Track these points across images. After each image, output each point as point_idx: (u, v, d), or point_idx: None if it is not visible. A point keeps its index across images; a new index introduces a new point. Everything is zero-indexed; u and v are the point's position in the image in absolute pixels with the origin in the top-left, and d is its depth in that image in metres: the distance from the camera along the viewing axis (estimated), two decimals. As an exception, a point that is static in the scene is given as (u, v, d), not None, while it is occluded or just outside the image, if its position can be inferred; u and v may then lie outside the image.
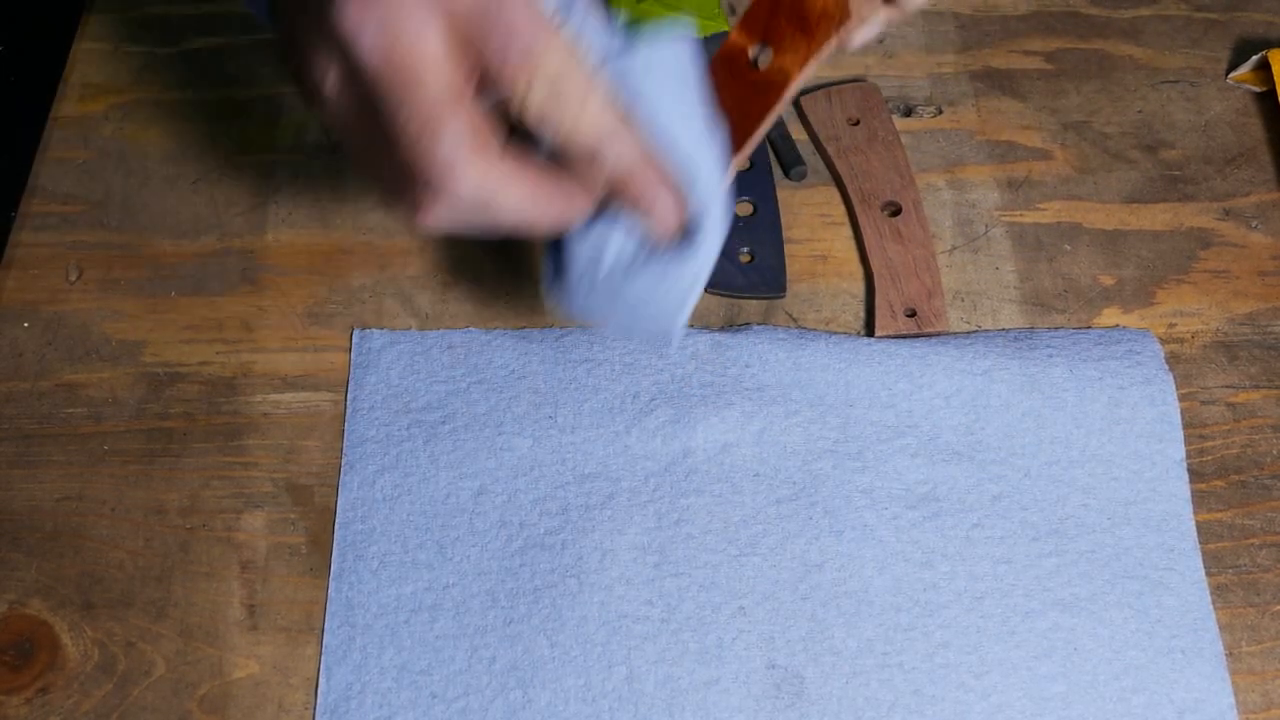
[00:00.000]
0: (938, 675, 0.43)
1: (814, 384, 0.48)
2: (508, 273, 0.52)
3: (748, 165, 0.54)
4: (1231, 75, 0.57)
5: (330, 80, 0.34)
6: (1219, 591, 0.45)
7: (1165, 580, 0.45)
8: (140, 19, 0.60)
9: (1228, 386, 0.50)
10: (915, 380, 0.48)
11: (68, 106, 0.57)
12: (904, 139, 0.55)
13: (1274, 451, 0.48)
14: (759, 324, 0.51)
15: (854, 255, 0.53)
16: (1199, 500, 0.47)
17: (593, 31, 0.35)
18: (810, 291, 0.52)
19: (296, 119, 0.57)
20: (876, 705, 0.43)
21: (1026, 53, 0.59)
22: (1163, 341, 0.50)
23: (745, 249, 0.52)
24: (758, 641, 0.44)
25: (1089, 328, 0.51)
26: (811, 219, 0.54)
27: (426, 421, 0.48)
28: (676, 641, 0.44)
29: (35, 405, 0.49)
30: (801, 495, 0.46)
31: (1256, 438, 0.48)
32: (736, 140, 0.41)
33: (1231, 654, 0.44)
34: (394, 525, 0.46)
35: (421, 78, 0.32)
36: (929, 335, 0.50)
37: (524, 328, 0.51)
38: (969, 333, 0.51)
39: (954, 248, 0.53)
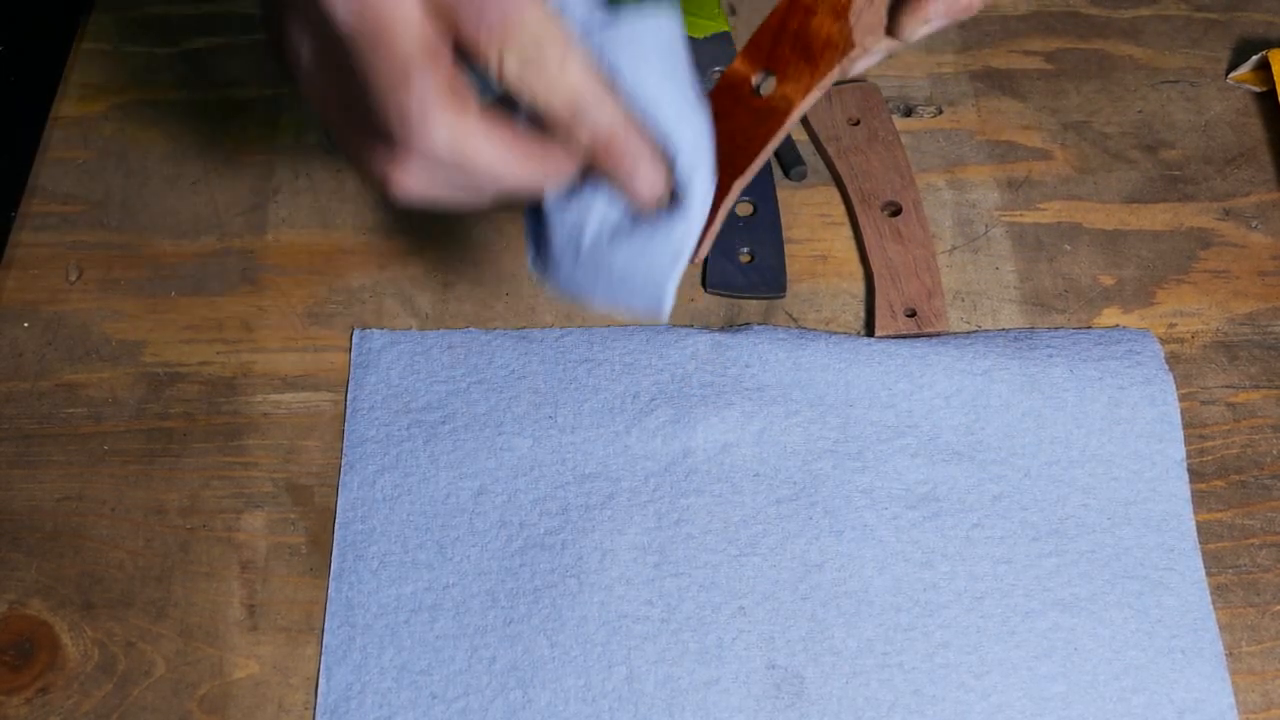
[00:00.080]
0: (938, 675, 0.43)
1: (814, 384, 0.48)
2: (508, 273, 0.52)
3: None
4: (1231, 75, 0.57)
5: (306, 49, 0.34)
6: (1219, 591, 0.45)
7: (1165, 580, 0.45)
8: (140, 19, 0.60)
9: (1228, 386, 0.50)
10: (915, 380, 0.48)
11: (68, 106, 0.57)
12: (904, 139, 0.55)
13: (1274, 451, 0.48)
14: (759, 324, 0.51)
15: (854, 255, 0.53)
16: (1199, 500, 0.47)
17: (575, 4, 0.35)
18: (810, 291, 0.52)
19: (296, 119, 0.57)
20: (876, 705, 0.43)
21: (1026, 53, 0.59)
22: (1163, 341, 0.50)
23: (745, 249, 0.52)
24: (758, 641, 0.44)
25: (1089, 328, 0.51)
26: (811, 219, 0.54)
27: (426, 421, 0.48)
28: (676, 641, 0.44)
29: (35, 405, 0.49)
30: (801, 495, 0.46)
31: (1256, 438, 0.48)
32: (739, 166, 0.41)
33: (1231, 654, 0.44)
34: (394, 525, 0.46)
35: (395, 34, 0.31)
36: (929, 335, 0.50)
37: (524, 328, 0.51)
38: (969, 333, 0.51)
39: (954, 248, 0.53)
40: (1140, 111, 0.57)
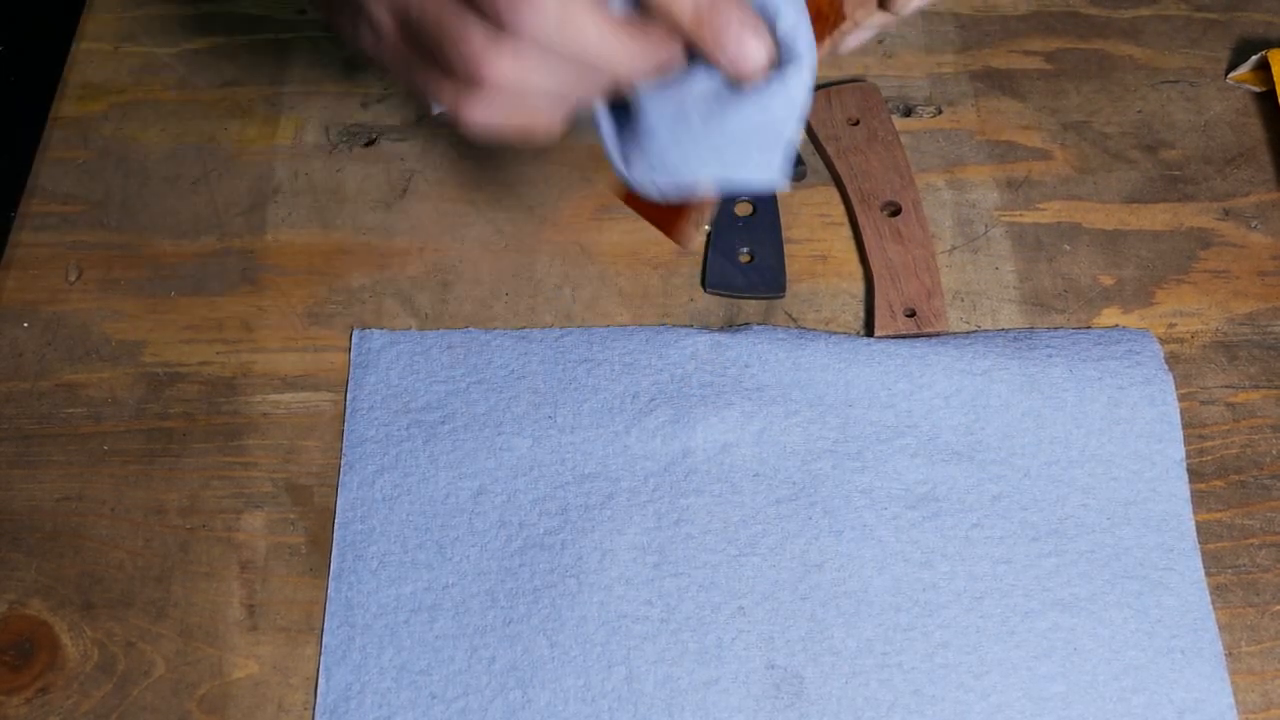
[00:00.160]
0: (937, 675, 0.43)
1: (814, 384, 0.48)
2: (508, 273, 0.52)
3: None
4: (1231, 75, 0.57)
5: None
6: (1219, 591, 0.45)
7: (1165, 580, 0.45)
8: (140, 19, 0.60)
9: (1227, 386, 0.49)
10: (915, 380, 0.48)
11: (68, 106, 0.57)
12: (904, 139, 0.55)
13: (1274, 451, 0.48)
14: (759, 324, 0.51)
15: (854, 255, 0.53)
16: (1199, 500, 0.47)
17: None
18: (810, 291, 0.52)
19: (296, 119, 0.57)
20: (876, 705, 0.43)
21: (1026, 53, 0.59)
22: (1162, 341, 0.50)
23: (745, 249, 0.52)
24: (757, 641, 0.44)
25: (1089, 328, 0.51)
26: (811, 219, 0.54)
27: (426, 421, 0.48)
28: (676, 641, 0.44)
29: (35, 405, 0.49)
30: (801, 495, 0.46)
31: (1256, 438, 0.48)
32: None
33: (1231, 654, 0.44)
34: (393, 525, 0.46)
35: None
36: (929, 335, 0.50)
37: (523, 328, 0.51)
38: (969, 333, 0.51)
39: (954, 248, 0.53)
40: (1140, 111, 0.57)
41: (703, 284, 0.52)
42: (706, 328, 0.51)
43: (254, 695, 0.43)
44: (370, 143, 0.56)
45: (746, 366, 0.49)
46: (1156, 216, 0.54)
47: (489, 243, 0.53)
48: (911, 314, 0.50)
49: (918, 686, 0.43)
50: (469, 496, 0.46)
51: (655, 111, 0.37)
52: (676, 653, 0.43)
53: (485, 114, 0.34)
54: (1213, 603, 0.45)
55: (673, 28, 0.34)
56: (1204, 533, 0.46)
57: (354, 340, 0.50)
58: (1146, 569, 0.45)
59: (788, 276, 0.52)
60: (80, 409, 0.49)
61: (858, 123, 0.55)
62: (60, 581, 0.45)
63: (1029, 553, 0.45)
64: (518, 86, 0.33)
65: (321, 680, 0.43)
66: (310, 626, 0.45)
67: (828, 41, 0.39)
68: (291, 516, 0.47)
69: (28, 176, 0.55)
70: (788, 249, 0.53)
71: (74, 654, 0.44)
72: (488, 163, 0.55)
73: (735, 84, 0.36)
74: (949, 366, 0.48)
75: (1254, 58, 0.56)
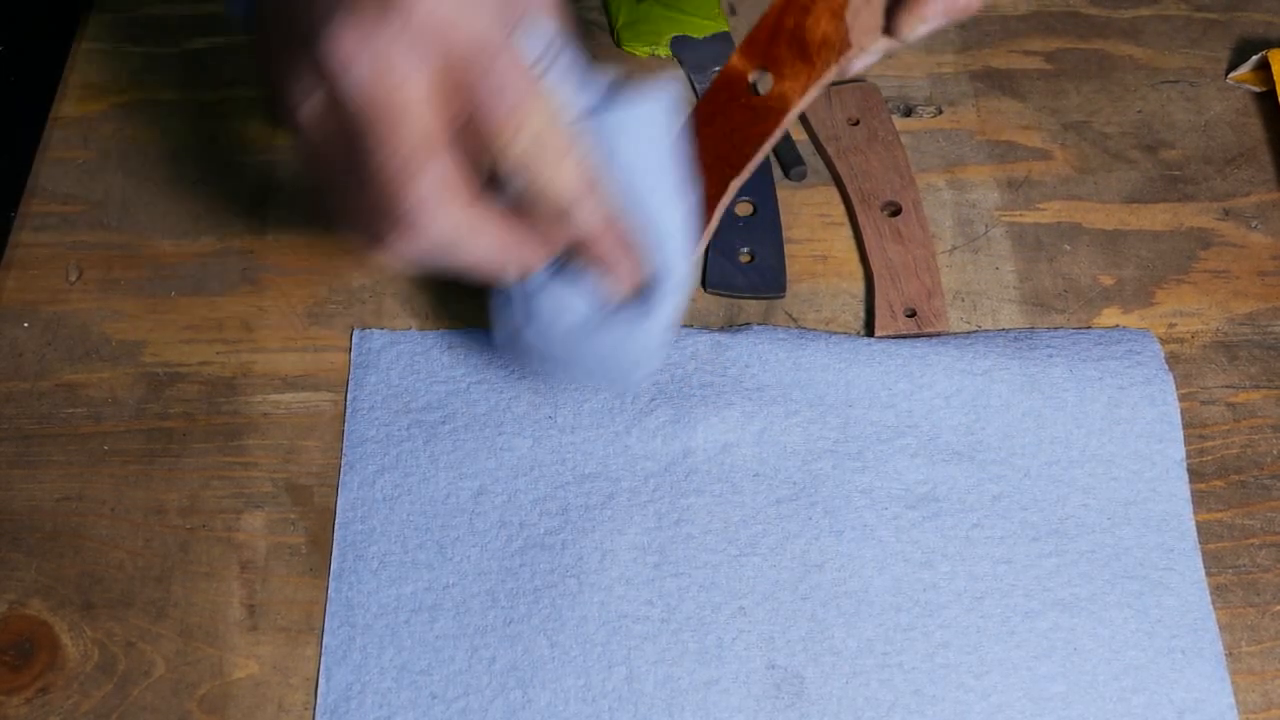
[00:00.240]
0: (938, 675, 0.43)
1: (814, 384, 0.48)
2: (508, 273, 0.52)
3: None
4: (1231, 75, 0.57)
5: (309, 106, 0.34)
6: (1219, 591, 0.45)
7: (1165, 580, 0.45)
8: (140, 19, 0.60)
9: (1228, 386, 0.50)
10: (915, 380, 0.48)
11: (68, 106, 0.57)
12: (904, 139, 0.55)
13: (1274, 451, 0.48)
14: (759, 324, 0.51)
15: (854, 255, 0.53)
16: (1199, 500, 0.47)
17: (572, 85, 0.35)
18: (810, 291, 0.52)
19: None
20: (876, 705, 0.43)
21: (1026, 53, 0.59)
22: (1163, 341, 0.50)
23: (745, 249, 0.52)
24: (758, 641, 0.44)
25: (1089, 328, 0.51)
26: (811, 219, 0.54)
27: (426, 421, 0.48)
28: (676, 641, 0.44)
29: (35, 405, 0.49)
30: (801, 495, 0.46)
31: (1256, 438, 0.48)
32: (735, 165, 0.41)
33: (1231, 654, 0.44)
34: (394, 525, 0.46)
35: (405, 119, 0.32)
36: (929, 335, 0.50)
37: (524, 328, 0.51)
38: (969, 333, 0.51)
39: (954, 248, 0.53)
40: (1140, 111, 0.57)
41: (703, 284, 0.52)
42: (707, 328, 0.51)
43: (254, 695, 0.43)
44: (370, 143, 0.56)
45: (747, 366, 0.49)
46: (1156, 216, 0.54)
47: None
48: (912, 314, 0.50)
49: (918, 686, 0.43)
50: (469, 496, 0.46)
51: (531, 312, 0.40)
52: (677, 653, 0.43)
53: (390, 260, 0.36)
54: (1213, 603, 0.45)
55: (559, 234, 0.36)
56: (1204, 533, 0.46)
57: (354, 340, 0.50)
58: (1147, 569, 0.45)
59: (788, 276, 0.52)
60: (80, 409, 0.49)
61: (858, 123, 0.56)
62: (60, 581, 0.45)
63: (1029, 553, 0.45)
64: (408, 264, 0.36)
65: (322, 680, 0.43)
66: (310, 626, 0.45)
67: (834, 68, 0.40)
68: (292, 516, 0.47)
69: (28, 176, 0.55)
70: (788, 249, 0.53)
71: (74, 654, 0.44)
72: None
73: (606, 303, 0.39)
74: (949, 366, 0.48)
75: (1254, 58, 0.56)
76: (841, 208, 0.54)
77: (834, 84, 0.57)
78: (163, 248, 0.53)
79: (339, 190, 0.35)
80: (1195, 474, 0.47)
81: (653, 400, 0.48)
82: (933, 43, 0.59)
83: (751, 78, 0.41)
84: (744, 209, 0.53)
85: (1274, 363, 0.50)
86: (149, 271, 0.52)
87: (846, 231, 0.54)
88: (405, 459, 0.47)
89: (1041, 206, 0.54)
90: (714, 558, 0.45)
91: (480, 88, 0.32)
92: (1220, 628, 0.44)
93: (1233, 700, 0.43)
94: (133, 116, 0.57)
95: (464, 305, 0.51)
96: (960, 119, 0.57)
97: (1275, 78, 0.55)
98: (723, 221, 0.53)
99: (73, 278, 0.52)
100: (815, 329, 0.51)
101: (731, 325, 0.51)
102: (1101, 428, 0.48)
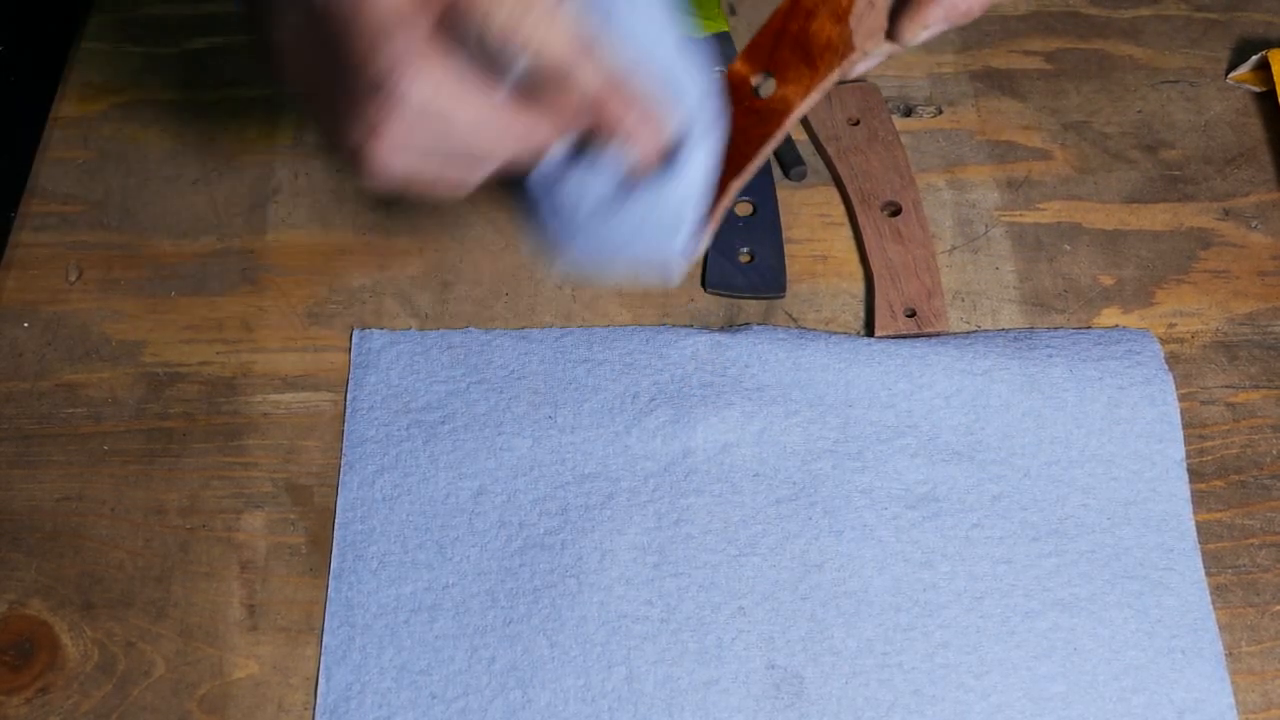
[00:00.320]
0: (937, 675, 0.43)
1: (814, 384, 0.48)
2: (507, 273, 0.52)
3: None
4: (1231, 75, 0.57)
5: (289, 23, 0.33)
6: (1219, 591, 0.45)
7: (1165, 580, 0.45)
8: (140, 19, 0.60)
9: (1228, 386, 0.49)
10: (915, 380, 0.48)
11: (68, 106, 0.57)
12: (904, 139, 0.55)
13: (1274, 451, 0.48)
14: (759, 324, 0.51)
15: (854, 255, 0.53)
16: (1199, 500, 0.47)
17: None
18: (810, 291, 0.52)
19: (296, 119, 0.57)
20: (876, 705, 0.43)
21: (1026, 53, 0.59)
22: (1163, 341, 0.50)
23: (745, 249, 0.52)
24: (757, 641, 0.44)
25: (1089, 328, 0.51)
26: (811, 219, 0.54)
27: (426, 421, 0.48)
28: (676, 641, 0.44)
29: (35, 405, 0.49)
30: (801, 495, 0.46)
31: (1256, 438, 0.48)
32: (737, 166, 0.41)
33: (1231, 654, 0.44)
34: (394, 525, 0.46)
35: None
36: (929, 335, 0.50)
37: (523, 327, 0.51)
38: (969, 333, 0.51)
39: (954, 248, 0.53)
40: (1140, 111, 0.57)
41: (703, 284, 0.52)
42: (706, 328, 0.51)
43: (254, 695, 0.43)
44: (370, 143, 0.56)
45: (746, 366, 0.49)
46: (1156, 216, 0.54)
47: (489, 243, 0.53)
48: (912, 314, 0.50)
49: (918, 686, 0.43)
50: (469, 496, 0.46)
51: (551, 201, 0.37)
52: (676, 653, 0.43)
53: (384, 162, 0.33)
54: (1213, 603, 0.45)
55: (563, 109, 0.34)
56: (1204, 533, 0.46)
57: (354, 340, 0.50)
58: (1147, 569, 0.45)
59: (788, 276, 0.52)
60: (80, 409, 0.49)
61: (858, 123, 0.56)
62: (60, 581, 0.45)
63: (1029, 553, 0.45)
64: (401, 166, 0.33)
65: (321, 680, 0.43)
66: (310, 626, 0.45)
67: (837, 71, 0.40)
68: (291, 516, 0.47)
69: (28, 176, 0.55)
70: (788, 249, 0.53)
71: (74, 654, 0.44)
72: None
73: (628, 177, 0.36)
74: (949, 366, 0.48)
75: (1254, 58, 0.56)
76: (841, 208, 0.54)
77: (834, 84, 0.57)
78: (163, 248, 0.53)
79: (325, 103, 0.34)
80: (1195, 474, 0.47)
81: (652, 400, 0.48)
82: (933, 43, 0.59)
83: (754, 81, 0.41)
84: (744, 209, 0.53)
85: (1274, 363, 0.50)
86: (149, 271, 0.52)
87: (846, 231, 0.54)
88: (405, 459, 0.47)
89: (1041, 206, 0.54)
90: (714, 558, 0.45)
91: None
92: (1220, 628, 0.44)
93: (1232, 700, 0.43)
94: (133, 116, 0.57)
95: (464, 305, 0.51)
96: (960, 119, 0.57)
97: (1275, 78, 0.55)
98: (723, 222, 0.53)
99: (73, 278, 0.52)
100: (815, 329, 0.51)
101: (731, 325, 0.51)
102: (1101, 428, 0.48)
